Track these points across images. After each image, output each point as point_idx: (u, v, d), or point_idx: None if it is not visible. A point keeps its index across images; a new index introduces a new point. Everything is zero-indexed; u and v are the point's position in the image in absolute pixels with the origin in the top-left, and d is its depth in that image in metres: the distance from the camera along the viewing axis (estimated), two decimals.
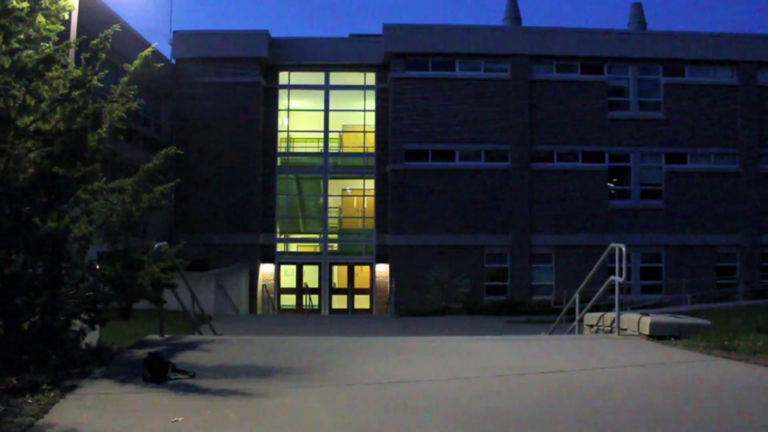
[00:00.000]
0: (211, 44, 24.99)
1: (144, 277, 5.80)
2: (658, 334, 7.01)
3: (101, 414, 3.94)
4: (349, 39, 27.45)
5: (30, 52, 5.03)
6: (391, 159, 24.64)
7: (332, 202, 27.18)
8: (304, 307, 26.48)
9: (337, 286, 26.90)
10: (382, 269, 25.63)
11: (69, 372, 4.91)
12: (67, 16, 5.40)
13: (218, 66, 24.69)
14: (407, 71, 24.51)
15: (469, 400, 4.39)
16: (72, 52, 6.22)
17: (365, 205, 27.13)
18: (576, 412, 4.08)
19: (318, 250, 26.59)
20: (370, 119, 26.31)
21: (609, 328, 7.91)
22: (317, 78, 26.23)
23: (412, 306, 22.14)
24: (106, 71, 5.63)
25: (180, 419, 3.81)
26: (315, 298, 26.42)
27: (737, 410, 4.15)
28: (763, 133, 24.67)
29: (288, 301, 26.61)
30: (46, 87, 5.18)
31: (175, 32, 25.05)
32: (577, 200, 24.23)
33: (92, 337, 5.99)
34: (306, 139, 27.31)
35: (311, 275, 26.52)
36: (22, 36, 4.95)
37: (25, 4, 4.88)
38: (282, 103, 26.33)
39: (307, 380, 4.96)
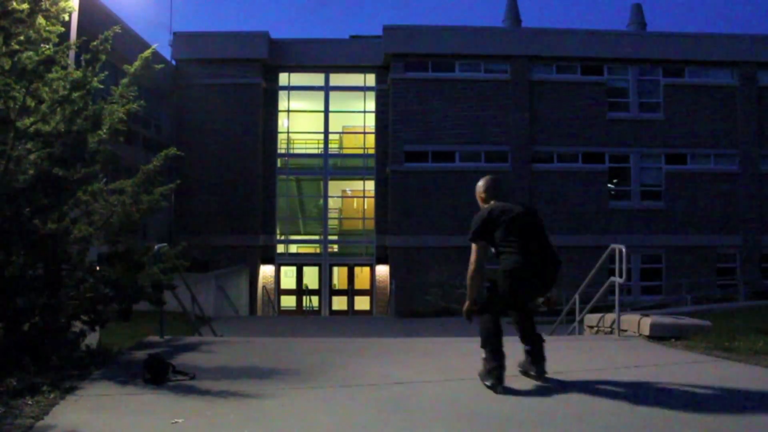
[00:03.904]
0: (211, 45, 25.03)
1: (144, 278, 5.81)
2: (658, 335, 7.01)
3: (101, 415, 3.94)
4: (349, 40, 27.49)
5: (30, 53, 5.03)
6: (391, 160, 24.65)
7: (332, 203, 27.20)
8: (304, 309, 26.47)
9: (337, 288, 26.90)
10: (383, 270, 25.63)
11: (69, 373, 4.90)
12: (67, 18, 5.40)
13: (218, 67, 24.74)
14: (407, 72, 24.52)
15: (468, 401, 4.39)
16: (72, 53, 6.22)
17: (365, 207, 27.14)
18: (575, 413, 4.08)
19: (318, 251, 26.60)
20: (370, 120, 26.33)
21: (609, 329, 7.92)
22: (317, 79, 26.26)
23: (413, 307, 22.14)
24: (106, 73, 5.63)
25: (180, 420, 3.81)
26: (315, 300, 26.41)
27: (737, 411, 4.15)
28: (763, 133, 24.68)
29: (288, 302, 26.61)
30: (46, 88, 5.18)
31: (175, 33, 25.14)
32: (577, 201, 24.23)
33: (92, 339, 5.98)
34: (306, 141, 27.33)
35: (311, 276, 26.53)
36: (22, 37, 4.95)
37: (26, 6, 4.88)
38: (282, 105, 26.35)
39: (307, 381, 4.96)
